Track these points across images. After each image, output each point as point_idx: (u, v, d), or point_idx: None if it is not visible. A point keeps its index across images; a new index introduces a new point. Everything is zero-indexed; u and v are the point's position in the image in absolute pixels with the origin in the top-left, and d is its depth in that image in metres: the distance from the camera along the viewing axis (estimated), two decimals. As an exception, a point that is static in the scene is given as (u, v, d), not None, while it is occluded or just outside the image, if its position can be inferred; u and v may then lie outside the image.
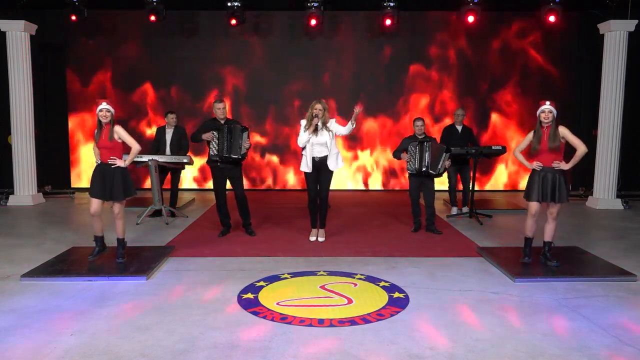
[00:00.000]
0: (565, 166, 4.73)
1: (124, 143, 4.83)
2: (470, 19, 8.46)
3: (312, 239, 5.99)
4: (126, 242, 5.07)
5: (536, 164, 4.79)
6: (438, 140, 7.18)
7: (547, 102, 4.76)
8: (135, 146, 4.82)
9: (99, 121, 4.74)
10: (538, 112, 4.79)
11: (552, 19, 8.33)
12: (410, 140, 6.37)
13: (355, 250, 5.63)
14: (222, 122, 6.01)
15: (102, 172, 4.76)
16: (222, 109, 6.02)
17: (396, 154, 6.49)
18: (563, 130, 4.72)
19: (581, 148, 4.72)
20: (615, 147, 8.36)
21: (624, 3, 8.19)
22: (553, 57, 9.97)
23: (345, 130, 5.58)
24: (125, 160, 4.82)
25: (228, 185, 6.17)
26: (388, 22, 8.67)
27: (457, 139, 7.36)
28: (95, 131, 4.80)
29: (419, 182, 6.38)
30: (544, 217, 4.90)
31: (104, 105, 4.72)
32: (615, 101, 8.28)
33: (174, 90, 10.06)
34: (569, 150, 4.73)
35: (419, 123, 6.42)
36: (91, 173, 4.88)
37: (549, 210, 4.83)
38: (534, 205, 4.81)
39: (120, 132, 4.77)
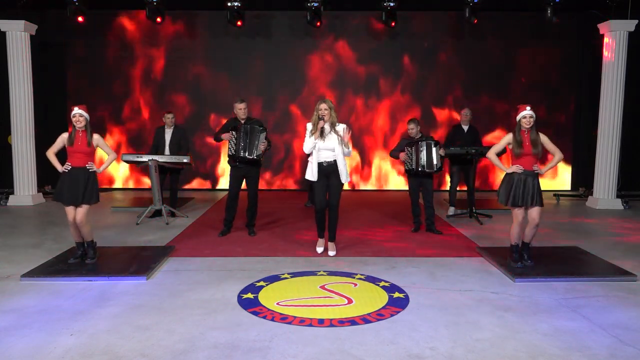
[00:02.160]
0: (541, 170, 4.76)
1: (97, 150, 4.88)
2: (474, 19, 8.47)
3: (319, 250, 5.47)
4: (96, 242, 5.02)
5: (517, 167, 4.74)
6: (443, 138, 7.18)
7: (528, 107, 4.73)
8: (112, 154, 4.94)
9: (74, 126, 4.74)
10: (519, 118, 4.73)
11: (555, 20, 8.33)
12: (407, 141, 6.38)
13: (355, 250, 5.63)
14: (243, 122, 6.04)
15: (72, 176, 4.73)
16: (243, 109, 6.04)
17: (393, 154, 6.49)
18: (543, 138, 4.75)
19: (557, 155, 4.80)
20: (615, 147, 8.36)
21: (624, 3, 8.19)
22: (553, 57, 9.97)
23: (345, 152, 5.18)
24: (100, 167, 4.88)
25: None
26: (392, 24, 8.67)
27: (462, 138, 7.39)
28: (68, 135, 4.77)
29: (418, 182, 6.39)
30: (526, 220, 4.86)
31: (76, 110, 4.72)
32: (615, 101, 8.28)
33: (174, 90, 10.05)
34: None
35: (412, 125, 6.42)
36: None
37: (531, 216, 4.78)
38: (520, 213, 4.77)
39: (99, 141, 4.83)
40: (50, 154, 4.90)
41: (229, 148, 5.98)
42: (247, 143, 5.89)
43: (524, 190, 4.71)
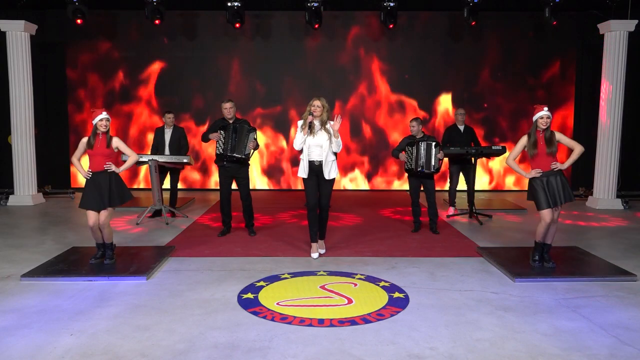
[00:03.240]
0: (562, 166, 4.74)
1: (118, 152, 4.92)
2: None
3: (315, 255, 5.30)
4: (115, 244, 5.05)
5: (535, 172, 4.72)
6: (439, 139, 7.19)
7: (545, 108, 4.72)
8: (133, 156, 5.00)
9: (95, 130, 4.76)
10: (535, 118, 4.73)
11: (553, 22, 8.35)
12: (408, 140, 6.39)
13: (355, 250, 5.63)
14: (231, 121, 6.04)
15: (95, 181, 4.76)
16: (229, 109, 6.06)
17: (394, 153, 6.50)
18: (559, 136, 4.75)
19: (578, 148, 4.79)
20: (615, 147, 8.36)
21: (624, 3, 8.20)
22: (553, 57, 9.97)
23: (333, 147, 5.13)
24: (119, 167, 4.89)
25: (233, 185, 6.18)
26: (391, 26, 8.64)
27: (459, 139, 7.39)
28: (88, 139, 4.78)
29: (419, 182, 6.38)
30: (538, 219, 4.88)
31: (104, 115, 4.76)
32: (615, 101, 8.28)
33: (174, 91, 10.05)
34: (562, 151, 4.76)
35: (414, 123, 6.42)
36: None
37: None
38: (547, 214, 4.70)
39: (119, 143, 4.86)
40: (75, 160, 4.89)
41: (217, 147, 5.98)
42: (236, 142, 5.90)
43: (550, 190, 4.69)
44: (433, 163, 6.19)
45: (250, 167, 6.29)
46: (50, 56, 9.80)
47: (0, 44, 8.53)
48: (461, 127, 7.55)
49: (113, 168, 4.81)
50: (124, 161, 5.52)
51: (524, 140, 4.80)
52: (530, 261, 4.91)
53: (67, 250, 5.40)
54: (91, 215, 4.77)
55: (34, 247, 5.70)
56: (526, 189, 4.96)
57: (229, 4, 8.36)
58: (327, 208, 5.38)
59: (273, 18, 9.91)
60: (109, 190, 4.76)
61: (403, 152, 6.37)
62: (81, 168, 4.85)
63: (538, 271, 4.70)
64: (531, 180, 4.78)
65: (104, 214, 4.79)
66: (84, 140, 4.82)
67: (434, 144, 6.21)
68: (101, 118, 4.74)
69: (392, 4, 8.40)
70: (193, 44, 9.95)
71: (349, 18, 9.92)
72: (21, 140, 8.47)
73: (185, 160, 7.17)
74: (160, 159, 7.11)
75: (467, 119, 7.69)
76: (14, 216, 7.60)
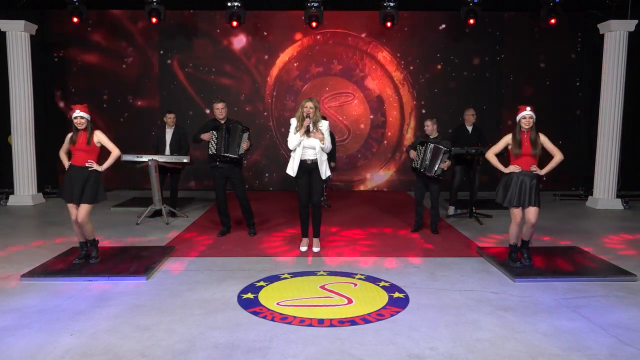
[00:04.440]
0: (541, 171, 4.75)
1: (102, 148, 4.86)
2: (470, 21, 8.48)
3: (303, 249, 5.53)
4: (98, 240, 5.01)
5: (515, 167, 4.77)
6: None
7: (528, 108, 4.76)
8: (115, 151, 4.87)
9: (75, 126, 4.76)
10: (518, 118, 4.78)
11: (552, 21, 8.35)
12: (421, 139, 6.37)
13: (355, 250, 5.63)
14: (223, 122, 6.02)
15: (72, 174, 4.75)
16: (221, 109, 6.03)
17: (408, 149, 6.51)
18: (543, 138, 4.77)
19: (558, 156, 4.79)
20: (615, 147, 8.36)
21: (624, 3, 8.20)
22: (553, 57, 9.97)
23: (323, 147, 5.22)
24: (102, 165, 4.83)
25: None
26: (388, 24, 8.64)
27: (466, 139, 7.36)
28: (71, 135, 4.79)
29: (424, 182, 6.36)
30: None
31: (77, 112, 4.73)
32: (615, 101, 8.28)
33: (173, 90, 10.05)
34: (546, 155, 4.80)
35: (428, 123, 6.40)
36: None
37: (527, 216, 4.76)
38: (518, 212, 4.78)
39: (101, 137, 4.81)
40: (61, 153, 4.96)
41: (209, 148, 5.95)
42: (229, 142, 5.88)
43: (520, 190, 4.72)
44: (435, 168, 6.15)
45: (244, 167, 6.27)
46: (50, 56, 9.80)
47: (0, 44, 8.53)
48: (469, 127, 7.51)
49: (95, 167, 4.76)
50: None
51: (507, 138, 4.86)
52: (510, 263, 4.85)
53: (67, 250, 5.40)
54: (72, 209, 4.79)
55: (34, 247, 5.70)
56: None
57: (229, 4, 8.36)
58: (320, 205, 5.46)
59: (273, 18, 9.91)
60: (82, 187, 4.72)
61: (412, 151, 6.35)
62: (66, 161, 4.89)
63: (538, 271, 4.69)
64: (505, 175, 4.82)
65: (81, 210, 4.75)
66: (69, 135, 4.82)
67: (443, 150, 6.12)
68: (75, 116, 4.73)
69: (392, 4, 8.40)
70: (193, 44, 9.94)
71: (349, 18, 9.92)
72: (21, 140, 8.47)
73: (185, 160, 7.17)
74: (160, 159, 7.11)
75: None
76: (14, 216, 7.60)
